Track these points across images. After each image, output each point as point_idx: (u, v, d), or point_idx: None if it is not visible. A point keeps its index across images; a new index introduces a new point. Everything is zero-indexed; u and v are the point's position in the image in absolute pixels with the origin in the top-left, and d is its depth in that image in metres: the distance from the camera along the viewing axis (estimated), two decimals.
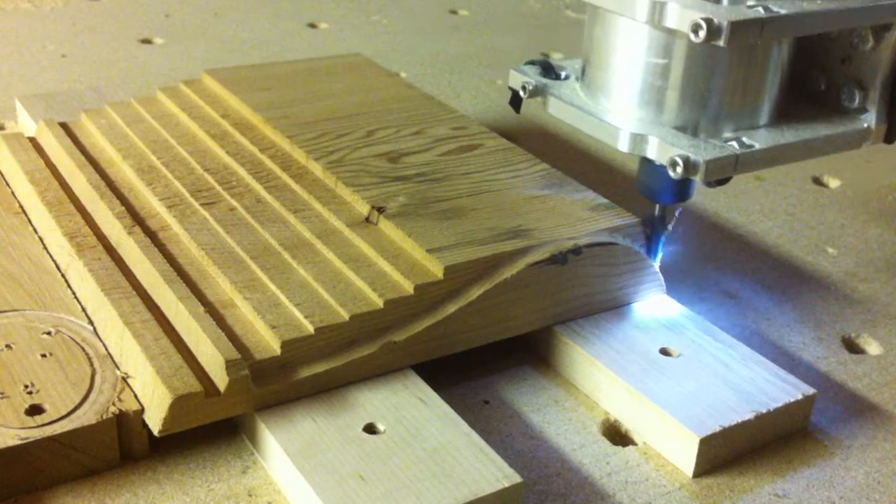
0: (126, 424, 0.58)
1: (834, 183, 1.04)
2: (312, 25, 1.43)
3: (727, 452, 0.62)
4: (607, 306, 0.72)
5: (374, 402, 0.61)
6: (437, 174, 0.77)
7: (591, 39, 0.70)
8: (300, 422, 0.59)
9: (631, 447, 0.64)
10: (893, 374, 0.73)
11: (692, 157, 0.63)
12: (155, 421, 0.57)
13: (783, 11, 0.62)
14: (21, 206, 0.79)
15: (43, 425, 0.56)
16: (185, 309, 0.62)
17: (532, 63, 0.76)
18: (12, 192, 0.81)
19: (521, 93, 0.74)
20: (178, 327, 0.62)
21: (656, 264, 0.73)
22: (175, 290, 0.64)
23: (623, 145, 0.67)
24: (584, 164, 1.02)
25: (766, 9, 0.62)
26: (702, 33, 0.60)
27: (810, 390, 0.65)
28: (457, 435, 0.59)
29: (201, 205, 0.73)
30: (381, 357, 0.63)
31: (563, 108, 0.72)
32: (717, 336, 0.70)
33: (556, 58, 1.36)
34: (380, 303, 0.63)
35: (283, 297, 0.63)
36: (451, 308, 0.65)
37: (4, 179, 0.83)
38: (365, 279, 0.64)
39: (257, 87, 0.91)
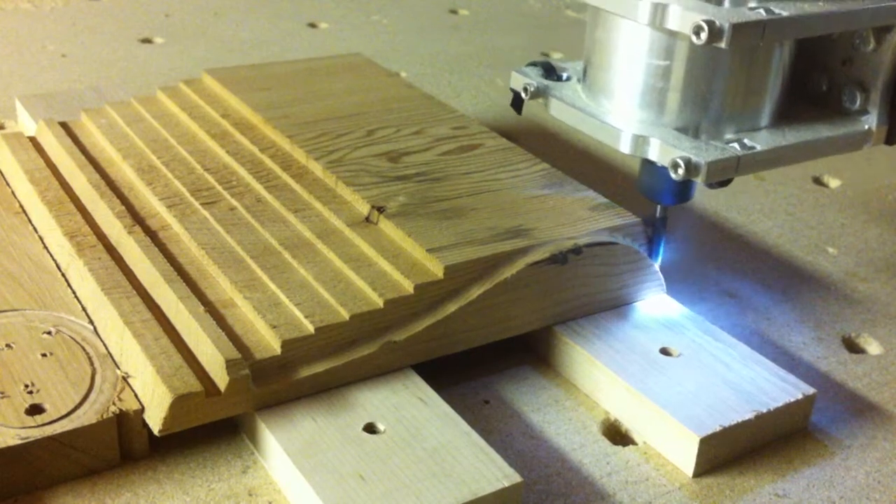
0: (126, 424, 0.58)
1: (834, 183, 1.04)
2: (312, 25, 1.43)
3: (727, 452, 0.62)
4: (607, 306, 0.72)
5: (375, 401, 0.61)
6: (437, 174, 0.77)
7: (593, 41, 0.70)
8: (300, 421, 0.59)
9: (631, 447, 0.64)
10: (893, 374, 0.73)
11: (694, 158, 0.63)
12: (155, 420, 0.57)
13: (785, 13, 0.62)
14: (21, 206, 0.79)
15: (43, 425, 0.56)
16: (185, 308, 0.62)
17: (533, 64, 0.76)
18: (12, 192, 0.81)
19: (523, 94, 0.74)
20: (178, 327, 0.62)
21: (657, 264, 0.73)
22: (175, 290, 0.64)
23: (625, 147, 0.67)
24: (584, 164, 1.02)
25: (767, 11, 0.62)
26: (703, 35, 0.60)
27: (810, 390, 0.65)
28: (457, 434, 0.59)
29: (201, 204, 0.73)
30: (382, 357, 0.63)
31: (565, 110, 0.72)
32: (717, 336, 0.70)
33: (556, 57, 1.36)
34: (380, 302, 0.63)
35: (283, 297, 0.63)
36: (451, 308, 0.65)
37: (4, 179, 0.83)
38: (365, 279, 0.64)
39: (257, 86, 0.91)
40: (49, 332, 0.64)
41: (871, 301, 0.82)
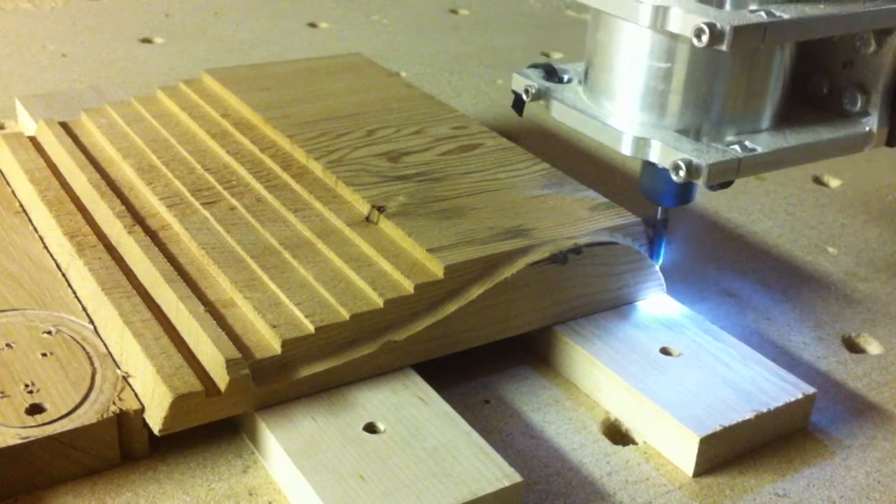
0: (126, 424, 0.58)
1: (834, 182, 1.04)
2: (312, 25, 1.43)
3: (727, 452, 0.62)
4: (607, 306, 0.72)
5: (375, 401, 0.61)
6: (437, 174, 0.77)
7: (594, 43, 0.71)
8: (300, 421, 0.59)
9: (631, 447, 0.64)
10: (893, 374, 0.73)
11: (695, 160, 0.63)
12: (155, 420, 0.57)
13: (786, 16, 0.62)
14: (21, 206, 0.79)
15: (43, 424, 0.56)
16: (185, 308, 0.62)
17: (535, 66, 0.76)
18: (12, 192, 0.81)
19: (524, 96, 0.74)
20: (178, 326, 0.62)
21: (658, 265, 0.73)
22: (175, 290, 0.64)
23: (626, 149, 0.67)
24: (584, 164, 1.02)
25: (768, 13, 0.62)
26: (704, 38, 0.60)
27: (810, 390, 0.65)
28: (457, 434, 0.59)
29: (202, 204, 0.73)
30: (382, 356, 0.63)
31: (566, 112, 0.72)
32: (717, 335, 0.70)
33: (556, 57, 1.36)
34: (380, 302, 0.63)
35: (283, 297, 0.63)
36: (452, 307, 0.65)
37: (5, 179, 0.83)
38: (365, 278, 0.64)
39: (257, 86, 0.91)
40: (49, 332, 0.64)
41: (871, 301, 0.82)
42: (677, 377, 0.65)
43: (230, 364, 0.57)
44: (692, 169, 0.64)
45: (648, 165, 0.69)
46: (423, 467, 0.56)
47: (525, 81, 0.74)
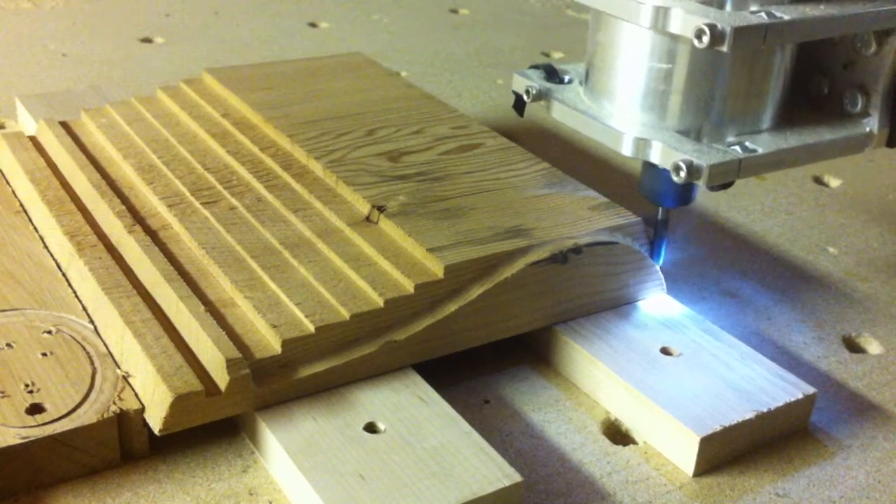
0: (126, 423, 0.58)
1: (834, 182, 1.04)
2: (313, 25, 1.43)
3: (728, 452, 0.62)
4: (608, 305, 0.72)
5: (375, 401, 0.61)
6: (437, 173, 0.77)
7: (595, 44, 0.71)
8: (301, 421, 0.59)
9: (631, 446, 0.64)
10: (894, 374, 0.73)
11: (695, 161, 0.63)
12: (155, 420, 0.57)
13: (786, 17, 0.62)
14: (21, 205, 0.79)
15: (43, 424, 0.56)
16: (185, 308, 0.62)
17: (536, 67, 0.76)
18: (13, 191, 0.81)
19: (525, 97, 0.74)
20: (178, 326, 0.62)
21: (659, 265, 0.73)
22: (176, 289, 0.64)
23: (627, 150, 0.67)
24: (584, 164, 1.02)
25: (769, 15, 0.62)
26: (705, 39, 0.60)
27: (811, 390, 0.65)
28: (457, 434, 0.59)
29: (202, 204, 0.73)
30: (382, 356, 0.63)
31: (567, 113, 0.72)
32: (717, 335, 0.70)
33: (556, 57, 1.36)
34: (380, 302, 0.63)
35: (283, 297, 0.63)
36: (452, 307, 0.65)
37: (5, 178, 0.83)
38: (365, 278, 0.64)
39: (258, 86, 0.91)
40: (49, 332, 0.64)
41: (871, 301, 0.82)
42: (677, 377, 0.65)
43: (230, 364, 0.57)
44: (693, 170, 0.64)
45: (649, 166, 0.69)
46: (423, 467, 0.56)
47: (526, 82, 0.74)
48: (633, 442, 0.64)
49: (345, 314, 0.62)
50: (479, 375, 0.69)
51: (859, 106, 0.71)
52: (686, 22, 0.61)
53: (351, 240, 0.69)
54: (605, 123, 0.69)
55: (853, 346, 0.76)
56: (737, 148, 0.66)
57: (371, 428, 0.59)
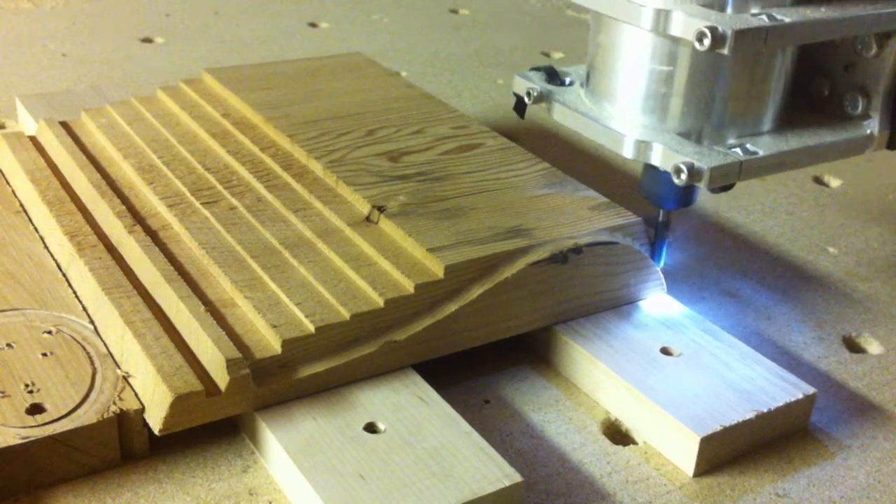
0: (127, 423, 0.58)
1: (835, 182, 1.04)
2: (313, 25, 1.43)
3: (728, 452, 0.62)
4: (608, 305, 0.72)
5: (375, 401, 0.61)
6: (437, 173, 0.77)
7: (596, 46, 0.70)
8: (301, 421, 0.59)
9: (631, 446, 0.64)
10: (894, 374, 0.73)
11: (696, 163, 0.63)
12: (155, 420, 0.57)
13: (787, 20, 0.62)
14: (21, 205, 0.79)
15: (43, 424, 0.56)
16: (185, 308, 0.62)
17: (537, 69, 0.76)
18: (13, 191, 0.81)
19: (526, 99, 0.74)
20: (178, 326, 0.62)
21: (660, 267, 0.73)
22: (176, 290, 0.64)
23: (627, 152, 0.67)
24: (584, 164, 1.02)
25: (770, 17, 0.62)
26: (706, 41, 0.60)
27: (811, 390, 0.65)
28: (457, 434, 0.59)
29: (202, 204, 0.73)
30: (382, 356, 0.63)
31: (568, 115, 0.72)
32: (717, 335, 0.70)
33: (556, 57, 1.36)
34: (380, 302, 0.63)
35: (283, 297, 0.63)
36: (452, 307, 0.65)
37: (5, 178, 0.83)
38: (365, 278, 0.64)
39: (258, 86, 0.91)
40: (49, 332, 0.64)
41: (871, 301, 0.82)
42: (677, 377, 0.65)
43: (230, 364, 0.57)
44: (694, 172, 0.64)
45: (650, 168, 0.69)
46: (423, 467, 0.56)
47: (527, 84, 0.74)
48: (633, 442, 0.64)
49: (345, 314, 0.62)
50: (479, 375, 0.69)
51: (860, 108, 0.71)
52: (687, 25, 0.61)
53: (351, 240, 0.69)
54: (606, 125, 0.69)
55: (853, 346, 0.76)
56: (738, 150, 0.66)
57: (371, 428, 0.59)
